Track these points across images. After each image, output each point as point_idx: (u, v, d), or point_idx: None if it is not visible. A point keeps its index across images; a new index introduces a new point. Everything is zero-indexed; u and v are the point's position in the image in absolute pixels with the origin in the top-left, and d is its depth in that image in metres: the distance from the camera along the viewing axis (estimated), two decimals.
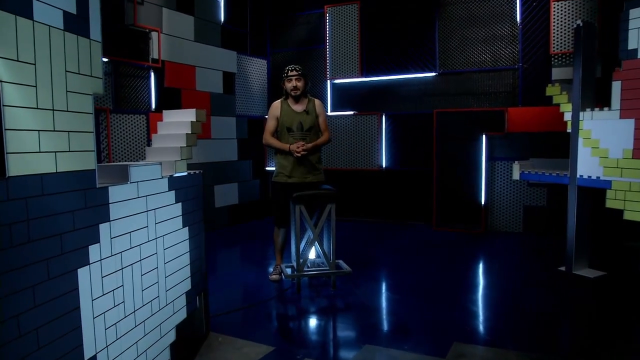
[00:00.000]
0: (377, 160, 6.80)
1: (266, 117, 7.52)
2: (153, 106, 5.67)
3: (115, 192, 2.07)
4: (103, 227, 1.99)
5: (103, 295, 2.00)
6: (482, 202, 6.09)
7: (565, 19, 5.66)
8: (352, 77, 7.01)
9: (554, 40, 5.74)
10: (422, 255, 5.13)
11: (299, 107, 4.07)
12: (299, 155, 3.92)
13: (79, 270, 1.85)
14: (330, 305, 3.69)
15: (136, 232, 2.23)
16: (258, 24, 7.59)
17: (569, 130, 4.18)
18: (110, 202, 2.03)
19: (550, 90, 4.27)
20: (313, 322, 3.43)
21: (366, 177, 6.98)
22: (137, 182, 2.23)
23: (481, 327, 3.24)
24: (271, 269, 4.42)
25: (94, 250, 1.94)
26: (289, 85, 4.04)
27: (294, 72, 4.01)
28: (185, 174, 2.73)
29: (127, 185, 2.16)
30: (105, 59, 5.08)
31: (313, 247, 4.05)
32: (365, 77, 6.96)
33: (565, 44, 5.68)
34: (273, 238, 4.28)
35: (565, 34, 5.67)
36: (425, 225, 6.57)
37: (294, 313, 3.61)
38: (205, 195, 6.26)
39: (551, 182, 4.37)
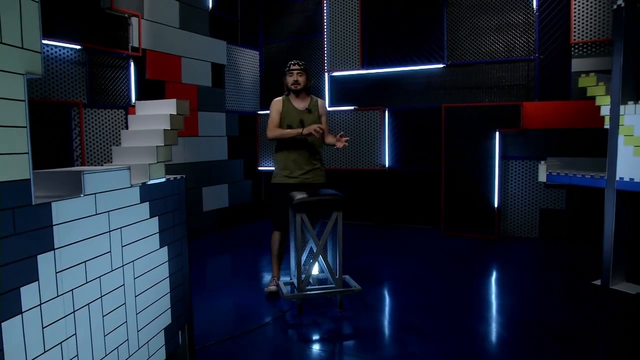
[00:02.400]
0: (380, 160, 6.28)
1: (258, 112, 7.06)
2: (133, 100, 5.08)
3: (63, 210, 1.51)
4: (43, 259, 1.44)
5: (45, 352, 1.45)
6: (496, 205, 5.60)
7: (588, 5, 5.17)
8: (353, 70, 6.47)
9: (575, 28, 5.24)
10: (435, 266, 4.61)
11: (300, 105, 3.76)
12: (313, 131, 3.51)
13: (3, 324, 1.30)
14: (337, 331, 3.16)
15: (94, 260, 1.67)
16: (249, 12, 7.02)
17: (606, 126, 3.69)
18: (54, 223, 1.48)
19: (584, 81, 3.78)
20: (318, 352, 2.89)
21: (368, 177, 6.46)
22: (95, 193, 1.67)
23: None
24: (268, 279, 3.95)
25: (29, 293, 1.39)
26: (289, 79, 3.75)
27: (296, 67, 3.74)
28: (162, 180, 2.18)
29: (81, 198, 1.60)
30: (78, 46, 4.49)
31: (316, 262, 3.52)
32: (367, 69, 6.42)
33: (588, 33, 5.19)
34: (270, 244, 3.86)
35: (588, 21, 5.18)
36: (432, 230, 6.07)
37: (296, 340, 3.07)
38: (192, 198, 5.74)
39: (583, 185, 3.88)
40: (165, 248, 2.19)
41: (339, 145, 3.57)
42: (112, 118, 4.82)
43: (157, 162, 2.14)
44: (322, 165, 3.87)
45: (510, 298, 3.75)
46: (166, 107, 2.36)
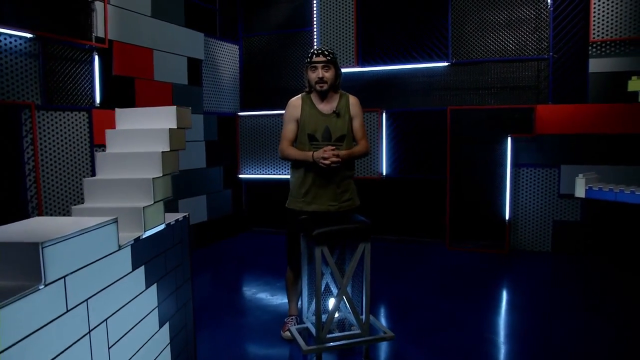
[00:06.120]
0: (377, 167, 5.70)
1: (238, 114, 6.33)
2: (97, 100, 4.29)
3: (5, 323, 0.82)
4: None
5: None
6: (507, 217, 5.12)
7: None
8: (346, 67, 5.83)
9: (594, 25, 4.81)
10: (455, 292, 4.07)
11: (326, 107, 2.92)
12: (327, 165, 2.73)
13: None
14: None
15: None
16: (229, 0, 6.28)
17: None
18: None
19: (636, 84, 3.30)
20: None
21: (364, 186, 5.84)
22: (65, 276, 0.98)
23: None
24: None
25: None
26: (312, 76, 2.86)
27: (321, 58, 2.82)
28: (162, 227, 1.50)
29: (40, 292, 0.91)
30: (29, 35, 3.67)
31: (333, 302, 2.89)
32: (362, 66, 5.81)
33: (609, 30, 4.76)
34: (285, 281, 3.23)
35: (610, 17, 4.75)
36: (436, 244, 5.54)
37: None
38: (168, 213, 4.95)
39: (634, 203, 3.41)
40: (167, 325, 1.51)
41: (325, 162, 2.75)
42: (72, 122, 4.01)
43: (155, 203, 1.45)
44: (354, 189, 3.06)
45: (564, 332, 3.23)
46: (161, 118, 1.67)
